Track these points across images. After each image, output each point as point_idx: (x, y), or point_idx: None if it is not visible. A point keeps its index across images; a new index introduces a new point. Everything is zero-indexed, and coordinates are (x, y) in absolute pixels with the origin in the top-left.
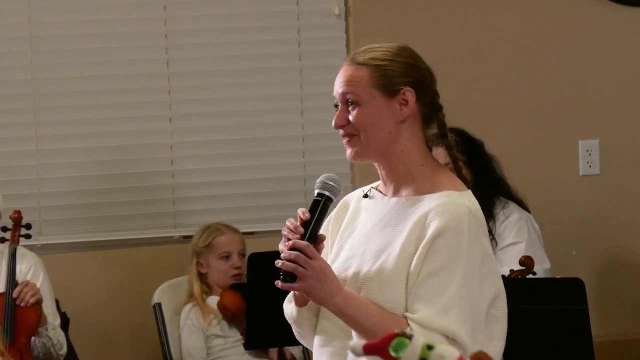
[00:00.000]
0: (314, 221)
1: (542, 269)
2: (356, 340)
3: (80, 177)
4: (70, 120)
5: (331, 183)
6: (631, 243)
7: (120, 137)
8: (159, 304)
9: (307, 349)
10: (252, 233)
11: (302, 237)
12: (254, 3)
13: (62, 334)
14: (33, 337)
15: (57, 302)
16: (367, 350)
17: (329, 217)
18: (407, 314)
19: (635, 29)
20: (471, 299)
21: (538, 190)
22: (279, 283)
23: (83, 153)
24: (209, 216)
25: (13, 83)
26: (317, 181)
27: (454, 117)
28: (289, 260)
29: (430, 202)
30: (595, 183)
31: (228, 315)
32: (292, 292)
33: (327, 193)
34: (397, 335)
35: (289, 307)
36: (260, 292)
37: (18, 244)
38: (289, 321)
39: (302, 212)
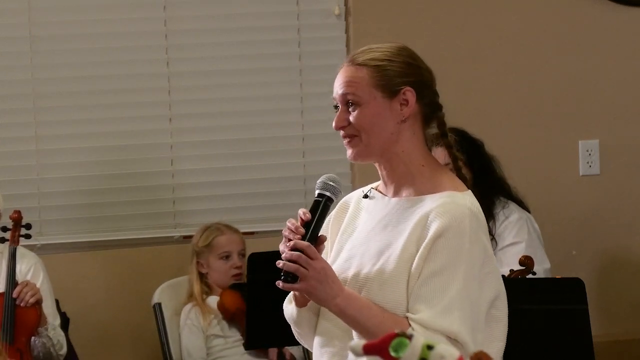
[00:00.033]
0: (314, 222)
1: (542, 269)
2: (356, 340)
3: (80, 177)
4: (70, 120)
5: (332, 184)
6: (631, 243)
7: (120, 137)
8: (159, 304)
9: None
10: (252, 233)
11: (303, 238)
12: (254, 3)
13: (62, 334)
14: (33, 337)
15: (57, 302)
16: (367, 350)
17: (328, 217)
18: (409, 315)
19: (635, 29)
20: (472, 300)
21: (538, 190)
22: (280, 284)
23: (83, 153)
24: (209, 216)
25: (13, 83)
26: (317, 182)
27: (454, 117)
28: (290, 261)
29: (432, 203)
30: (595, 183)
31: (228, 315)
32: (292, 292)
33: (327, 194)
34: (397, 335)
35: (289, 308)
36: (260, 292)
37: (18, 244)
38: (288, 322)
39: (303, 213)
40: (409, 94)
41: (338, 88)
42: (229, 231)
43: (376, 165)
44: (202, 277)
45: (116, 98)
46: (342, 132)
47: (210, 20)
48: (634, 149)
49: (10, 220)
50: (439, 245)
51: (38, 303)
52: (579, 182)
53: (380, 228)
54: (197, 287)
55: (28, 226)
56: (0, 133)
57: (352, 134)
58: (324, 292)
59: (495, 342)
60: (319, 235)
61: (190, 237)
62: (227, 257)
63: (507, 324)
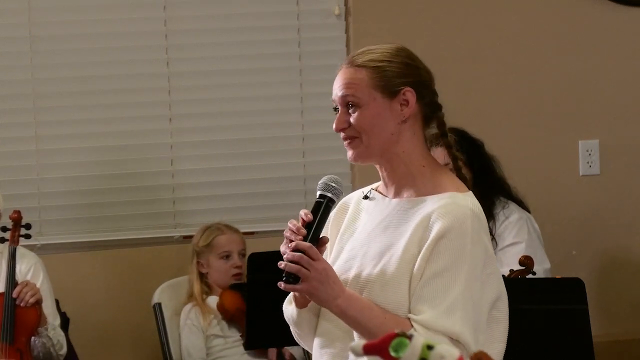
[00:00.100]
0: (316, 223)
1: (542, 269)
2: (356, 341)
3: (80, 177)
4: (70, 120)
5: (333, 184)
6: (631, 243)
7: (120, 137)
8: (159, 304)
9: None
10: (252, 233)
11: (305, 239)
12: (254, 3)
13: (62, 334)
14: (33, 337)
15: (57, 302)
16: (367, 350)
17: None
18: (411, 315)
19: (635, 29)
20: (474, 301)
21: (538, 190)
22: (281, 284)
23: (83, 153)
24: (209, 216)
25: (13, 83)
26: (319, 182)
27: (454, 117)
28: (291, 262)
29: (433, 204)
30: (595, 183)
31: (228, 315)
32: (292, 293)
33: (329, 194)
34: (397, 335)
35: (289, 309)
36: (260, 292)
37: (18, 244)
38: (288, 323)
39: (305, 214)
40: (409, 94)
41: (337, 90)
42: (229, 231)
43: (377, 166)
44: (202, 277)
45: (116, 98)
46: (342, 134)
47: (210, 20)
48: (634, 149)
49: (10, 220)
50: (441, 246)
51: (38, 303)
52: (579, 182)
53: (381, 229)
54: (197, 287)
55: (28, 226)
56: (0, 133)
57: (353, 135)
58: (325, 293)
59: (496, 343)
60: (321, 236)
61: (190, 237)
62: (227, 256)
63: (507, 325)
